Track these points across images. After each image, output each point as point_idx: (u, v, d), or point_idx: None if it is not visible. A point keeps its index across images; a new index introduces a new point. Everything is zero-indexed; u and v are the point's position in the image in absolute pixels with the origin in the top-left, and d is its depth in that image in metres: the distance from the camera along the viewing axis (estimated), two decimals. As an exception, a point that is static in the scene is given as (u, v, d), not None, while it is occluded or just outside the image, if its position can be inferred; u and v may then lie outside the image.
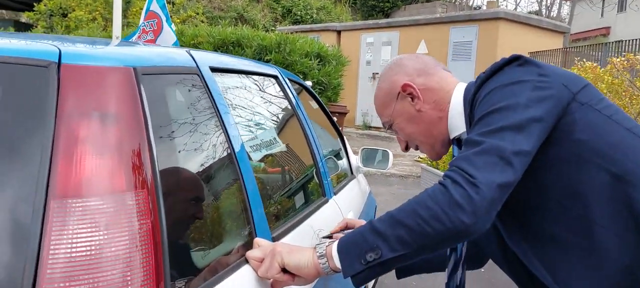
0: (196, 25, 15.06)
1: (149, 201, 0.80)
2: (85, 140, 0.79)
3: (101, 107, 0.83)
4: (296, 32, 14.83)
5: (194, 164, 1.03)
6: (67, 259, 0.71)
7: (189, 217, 0.98)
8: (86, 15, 13.16)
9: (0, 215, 0.74)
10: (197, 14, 16.10)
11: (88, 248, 0.73)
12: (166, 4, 2.81)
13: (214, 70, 1.26)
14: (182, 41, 8.48)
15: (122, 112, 0.84)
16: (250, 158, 1.20)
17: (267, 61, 8.32)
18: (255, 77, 1.62)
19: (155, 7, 2.57)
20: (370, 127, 13.06)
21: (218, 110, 1.13)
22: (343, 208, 1.99)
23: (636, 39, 8.25)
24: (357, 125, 13.14)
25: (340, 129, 2.83)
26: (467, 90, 1.23)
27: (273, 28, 17.22)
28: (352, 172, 2.64)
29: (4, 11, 19.04)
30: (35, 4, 14.06)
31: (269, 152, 1.44)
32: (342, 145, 2.67)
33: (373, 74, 13.13)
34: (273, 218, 1.29)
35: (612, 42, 9.40)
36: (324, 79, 8.68)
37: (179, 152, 0.98)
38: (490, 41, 10.62)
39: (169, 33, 2.65)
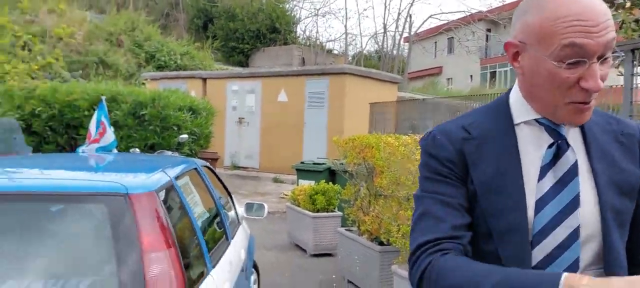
0: (60, 75, 15.00)
1: (175, 253, 1.91)
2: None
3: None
4: (162, 78, 15.51)
5: (189, 230, 2.15)
6: (154, 276, 1.80)
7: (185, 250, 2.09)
8: None
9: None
10: (56, 59, 15.94)
11: (158, 271, 1.82)
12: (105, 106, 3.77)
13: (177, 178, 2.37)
14: (57, 98, 8.88)
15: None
16: (200, 223, 2.33)
17: (143, 115, 9.07)
18: (187, 173, 2.74)
19: (101, 116, 3.47)
20: (237, 167, 14.17)
21: (186, 203, 2.25)
22: (238, 247, 3.13)
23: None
24: (226, 166, 14.16)
25: (226, 186, 3.95)
26: None
27: (137, 73, 17.60)
28: (238, 221, 3.78)
29: None
30: None
31: (204, 219, 2.58)
32: (231, 201, 3.81)
33: (239, 118, 14.31)
34: (210, 250, 2.43)
35: (422, 99, 11.78)
36: (197, 130, 9.64)
37: (184, 227, 2.09)
38: (339, 91, 12.45)
39: (110, 135, 3.55)
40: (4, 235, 2.15)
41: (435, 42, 36.04)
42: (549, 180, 1.08)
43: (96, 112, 3.55)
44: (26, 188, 2.09)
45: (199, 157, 10.30)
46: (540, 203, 1.07)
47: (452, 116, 11.89)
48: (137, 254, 1.82)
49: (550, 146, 1.10)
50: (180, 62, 18.96)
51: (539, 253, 1.07)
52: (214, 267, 2.36)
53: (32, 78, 13.92)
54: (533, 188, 1.08)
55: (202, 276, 2.17)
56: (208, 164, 3.44)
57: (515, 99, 1.16)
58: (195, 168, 2.95)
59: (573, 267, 1.06)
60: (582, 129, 1.14)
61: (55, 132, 8.98)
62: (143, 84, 15.34)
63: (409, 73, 29.47)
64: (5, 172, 2.39)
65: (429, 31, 32.12)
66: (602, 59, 1.02)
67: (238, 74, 15.18)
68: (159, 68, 18.34)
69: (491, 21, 28.12)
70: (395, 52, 28.14)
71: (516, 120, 1.14)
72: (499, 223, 1.07)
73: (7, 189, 2.08)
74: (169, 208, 2.14)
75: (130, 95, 9.18)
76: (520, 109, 1.14)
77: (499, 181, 1.08)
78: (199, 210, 2.61)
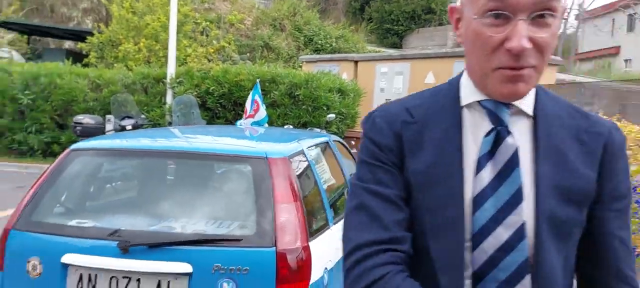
0: (231, 57, 16.87)
1: (300, 206, 2.42)
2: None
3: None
4: (318, 61, 16.54)
5: (314, 190, 2.66)
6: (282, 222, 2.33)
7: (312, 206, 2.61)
8: (133, 46, 14.99)
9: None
10: (229, 44, 17.90)
11: (286, 218, 2.34)
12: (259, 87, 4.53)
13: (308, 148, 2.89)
14: (227, 79, 10.17)
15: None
16: (325, 186, 2.83)
17: (297, 95, 9.96)
18: (318, 145, 3.26)
19: (256, 96, 4.25)
20: (384, 148, 14.66)
21: (314, 168, 2.76)
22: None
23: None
24: (372, 146, 14.75)
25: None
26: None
27: (296, 56, 18.99)
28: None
29: (49, 39, 21.05)
30: (87, 36, 15.95)
31: (330, 184, 3.08)
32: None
33: (386, 99, 14.75)
34: (333, 208, 2.92)
35: (577, 83, 10.94)
36: (344, 110, 10.29)
37: (310, 187, 2.60)
38: (489, 74, 12.17)
39: (263, 112, 4.30)
40: (181, 183, 2.89)
41: (613, 19, 32.31)
42: (488, 173, 0.95)
43: (251, 92, 4.29)
44: (197, 149, 2.78)
45: (345, 136, 10.99)
46: (479, 200, 0.95)
47: (617, 103, 10.89)
48: (271, 204, 2.37)
49: (487, 134, 0.97)
50: (335, 45, 19.94)
51: (480, 256, 0.94)
52: (335, 223, 2.85)
53: (208, 60, 15.92)
54: (470, 183, 0.96)
55: (322, 228, 2.67)
56: (340, 140, 3.94)
57: (466, 77, 1.02)
58: (327, 142, 3.46)
59: (521, 271, 0.93)
60: (535, 120, 0.98)
61: (224, 108, 10.31)
62: (300, 66, 16.56)
63: (579, 54, 27.02)
64: (185, 137, 3.15)
65: (604, 8, 29.11)
66: (534, 16, 0.88)
67: (388, 56, 15.59)
68: (316, 51, 19.51)
69: (683, -6, 24.52)
70: (563, 30, 26.03)
71: (463, 102, 1.00)
72: (434, 219, 0.96)
73: (185, 149, 2.80)
74: (299, 171, 2.67)
75: (287, 77, 10.12)
76: (467, 89, 1.01)
77: (436, 172, 0.96)
78: (325, 176, 3.11)
